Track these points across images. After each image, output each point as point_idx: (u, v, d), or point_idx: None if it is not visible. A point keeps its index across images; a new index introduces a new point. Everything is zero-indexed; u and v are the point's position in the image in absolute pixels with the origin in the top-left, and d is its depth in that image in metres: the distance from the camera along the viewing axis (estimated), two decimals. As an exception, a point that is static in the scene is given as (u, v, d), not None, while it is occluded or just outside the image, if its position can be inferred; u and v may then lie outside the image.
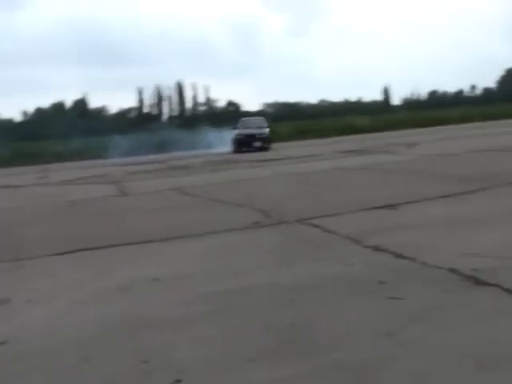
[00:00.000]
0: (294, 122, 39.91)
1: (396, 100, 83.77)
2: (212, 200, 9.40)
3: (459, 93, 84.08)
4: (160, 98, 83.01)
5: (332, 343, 3.05)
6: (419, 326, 3.18)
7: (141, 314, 3.85)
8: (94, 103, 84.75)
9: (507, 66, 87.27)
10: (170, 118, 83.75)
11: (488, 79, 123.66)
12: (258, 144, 26.03)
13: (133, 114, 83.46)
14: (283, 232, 6.33)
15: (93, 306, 4.13)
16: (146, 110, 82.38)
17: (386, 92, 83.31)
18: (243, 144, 26.26)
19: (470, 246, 4.73)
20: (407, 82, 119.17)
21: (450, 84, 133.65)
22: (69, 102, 79.57)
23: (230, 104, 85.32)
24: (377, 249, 4.98)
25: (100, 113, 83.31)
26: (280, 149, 25.13)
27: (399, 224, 6.09)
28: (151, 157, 27.40)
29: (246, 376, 2.80)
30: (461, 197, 7.50)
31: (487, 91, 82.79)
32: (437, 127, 32.88)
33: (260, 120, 29.51)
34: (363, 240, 5.35)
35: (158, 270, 4.98)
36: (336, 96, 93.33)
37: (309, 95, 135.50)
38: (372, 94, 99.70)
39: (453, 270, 4.10)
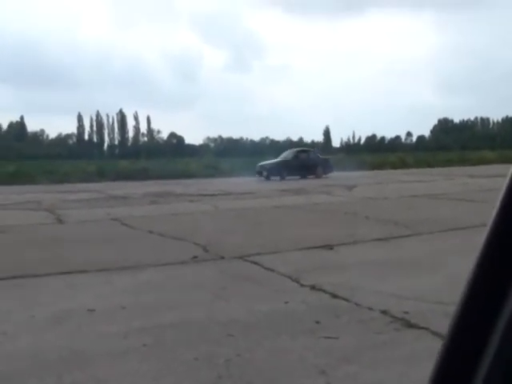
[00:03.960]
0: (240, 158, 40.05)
1: (335, 142, 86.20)
2: (150, 232, 9.33)
3: (397, 138, 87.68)
4: (101, 126, 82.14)
5: (269, 380, 3.10)
6: (352, 364, 3.28)
7: (75, 346, 3.77)
8: (31, 126, 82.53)
9: (440, 116, 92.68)
10: (110, 146, 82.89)
11: (423, 127, 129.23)
12: None
13: (72, 140, 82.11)
14: (222, 268, 6.36)
15: (24, 337, 4.01)
16: (85, 136, 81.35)
17: (327, 134, 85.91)
18: None
19: (402, 289, 4.92)
20: (346, 125, 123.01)
21: (387, 130, 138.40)
22: (5, 124, 77.81)
23: (173, 136, 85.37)
24: (313, 288, 5.10)
25: (38, 137, 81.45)
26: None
27: (335, 265, 6.25)
28: (91, 185, 26.84)
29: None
30: (393, 241, 7.77)
31: (420, 139, 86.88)
32: (374, 171, 33.89)
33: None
34: (300, 279, 5.46)
35: (94, 301, 4.90)
36: (277, 135, 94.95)
37: (250, 132, 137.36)
38: (312, 135, 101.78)
39: (384, 312, 4.26)
